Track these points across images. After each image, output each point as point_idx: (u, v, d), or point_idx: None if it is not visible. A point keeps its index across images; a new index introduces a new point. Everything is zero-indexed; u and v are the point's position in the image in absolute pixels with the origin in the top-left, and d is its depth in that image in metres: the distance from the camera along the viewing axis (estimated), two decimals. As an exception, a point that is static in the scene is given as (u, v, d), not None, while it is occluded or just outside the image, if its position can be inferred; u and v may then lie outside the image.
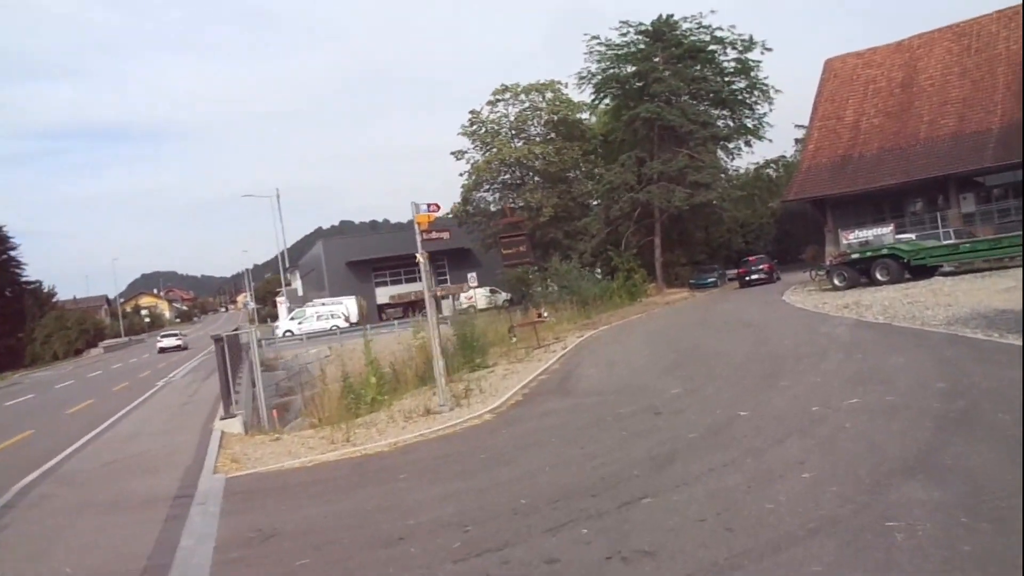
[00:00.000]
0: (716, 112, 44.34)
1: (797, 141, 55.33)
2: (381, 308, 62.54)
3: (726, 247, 51.95)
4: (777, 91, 43.03)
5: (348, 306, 53.62)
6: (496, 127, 46.12)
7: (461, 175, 47.16)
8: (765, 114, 43.79)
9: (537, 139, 46.00)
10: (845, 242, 27.14)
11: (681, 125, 40.58)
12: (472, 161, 46.40)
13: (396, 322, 48.94)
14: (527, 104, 45.93)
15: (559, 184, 46.01)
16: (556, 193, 45.44)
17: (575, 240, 42.65)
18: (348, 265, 62.24)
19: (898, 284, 23.58)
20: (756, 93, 43.36)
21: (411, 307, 63.90)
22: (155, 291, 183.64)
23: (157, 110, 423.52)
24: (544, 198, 44.56)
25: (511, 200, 46.81)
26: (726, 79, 43.54)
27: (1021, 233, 23.03)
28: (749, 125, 44.14)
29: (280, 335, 50.61)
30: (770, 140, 45.66)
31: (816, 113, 40.51)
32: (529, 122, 46.05)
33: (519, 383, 14.78)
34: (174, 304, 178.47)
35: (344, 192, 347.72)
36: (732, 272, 47.28)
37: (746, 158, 62.66)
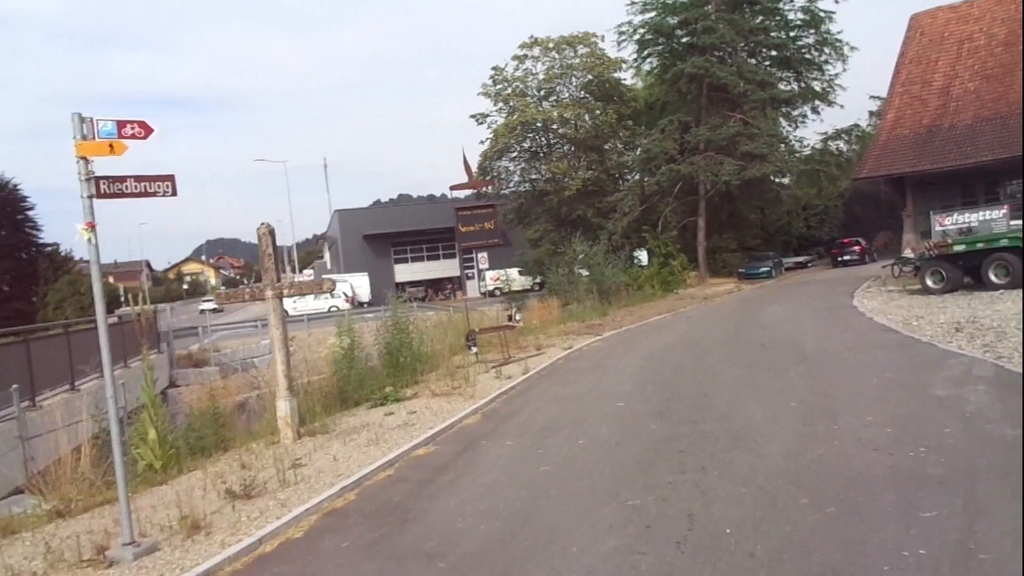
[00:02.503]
0: (777, 72, 37.91)
1: (872, 114, 48.25)
2: (400, 287, 57.75)
3: (785, 232, 45.57)
4: (853, 48, 36.59)
5: (355, 284, 48.86)
6: (522, 86, 40.30)
7: (482, 143, 41.55)
8: (837, 75, 37.29)
9: (567, 101, 40.02)
10: (939, 228, 20.83)
11: (734, 85, 34.29)
12: (493, 125, 40.72)
13: (415, 304, 43.61)
14: (558, 61, 39.94)
15: (591, 153, 40.09)
16: (587, 164, 39.58)
17: (605, 219, 36.68)
18: (365, 239, 57.31)
19: (1020, 289, 17.00)
20: (827, 51, 36.91)
21: (433, 287, 59.02)
22: (202, 257, 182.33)
23: (224, 80, 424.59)
24: (571, 169, 38.69)
25: (536, 171, 41.14)
26: (791, 33, 37.14)
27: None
28: (817, 88, 37.61)
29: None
30: (841, 106, 39.00)
31: (898, 77, 34.89)
32: (557, 80, 40.01)
33: (367, 466, 8.34)
34: (221, 271, 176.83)
35: (404, 165, 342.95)
36: (790, 261, 41.70)
37: (812, 127, 55.62)
